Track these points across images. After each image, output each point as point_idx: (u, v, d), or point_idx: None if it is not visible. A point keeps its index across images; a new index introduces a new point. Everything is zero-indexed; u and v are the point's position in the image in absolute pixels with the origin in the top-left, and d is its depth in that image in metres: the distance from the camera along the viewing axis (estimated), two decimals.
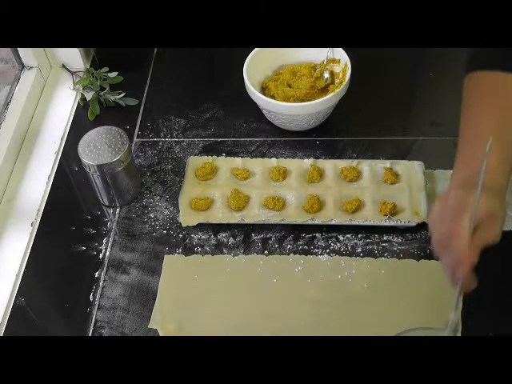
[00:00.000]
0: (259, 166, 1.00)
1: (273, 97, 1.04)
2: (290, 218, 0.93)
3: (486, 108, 0.74)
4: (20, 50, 1.13)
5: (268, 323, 0.84)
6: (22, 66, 1.15)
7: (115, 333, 0.84)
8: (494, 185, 0.66)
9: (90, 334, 0.84)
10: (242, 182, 0.98)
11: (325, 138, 1.06)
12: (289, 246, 0.92)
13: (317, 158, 1.02)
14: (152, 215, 0.97)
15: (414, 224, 0.92)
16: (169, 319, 0.85)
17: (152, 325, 0.85)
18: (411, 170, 0.97)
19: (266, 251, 0.92)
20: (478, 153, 0.65)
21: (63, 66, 1.20)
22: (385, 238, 0.92)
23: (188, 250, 0.92)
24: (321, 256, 0.91)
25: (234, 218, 0.94)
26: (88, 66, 1.20)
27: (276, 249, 0.92)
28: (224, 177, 0.99)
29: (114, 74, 1.14)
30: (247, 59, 1.05)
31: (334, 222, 0.93)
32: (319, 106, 1.00)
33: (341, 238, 0.93)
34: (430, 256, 0.89)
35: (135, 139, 1.08)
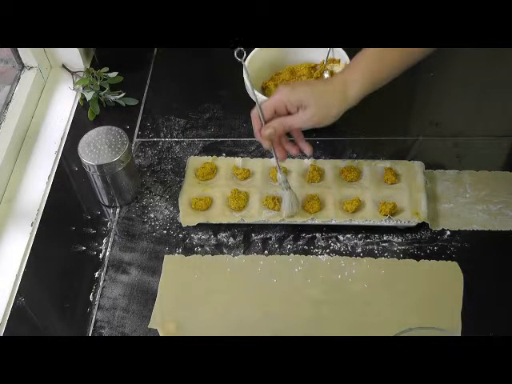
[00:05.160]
0: (259, 166, 1.00)
1: None
2: (290, 218, 0.93)
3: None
4: (20, 50, 1.13)
5: (268, 323, 0.84)
6: (22, 66, 1.15)
7: (115, 333, 0.84)
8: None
9: (90, 334, 0.84)
10: (241, 181, 0.98)
11: (325, 138, 1.05)
12: (289, 246, 0.92)
13: (317, 158, 1.02)
14: (152, 215, 0.97)
15: (413, 224, 0.92)
16: (169, 319, 0.85)
17: (152, 325, 0.85)
18: (411, 169, 0.97)
19: (265, 251, 0.92)
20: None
21: (63, 66, 1.20)
22: (385, 238, 0.92)
23: (188, 250, 0.92)
24: (321, 256, 0.91)
25: (234, 218, 0.94)
26: (88, 66, 1.19)
27: (276, 249, 0.92)
28: (224, 177, 0.99)
29: (113, 74, 1.14)
30: (247, 59, 1.05)
31: (333, 222, 0.93)
32: None
33: (341, 238, 0.93)
34: (429, 256, 0.90)
35: (135, 139, 1.08)
